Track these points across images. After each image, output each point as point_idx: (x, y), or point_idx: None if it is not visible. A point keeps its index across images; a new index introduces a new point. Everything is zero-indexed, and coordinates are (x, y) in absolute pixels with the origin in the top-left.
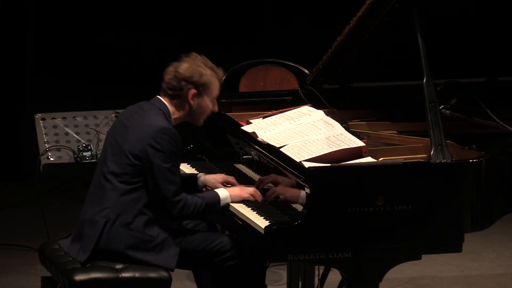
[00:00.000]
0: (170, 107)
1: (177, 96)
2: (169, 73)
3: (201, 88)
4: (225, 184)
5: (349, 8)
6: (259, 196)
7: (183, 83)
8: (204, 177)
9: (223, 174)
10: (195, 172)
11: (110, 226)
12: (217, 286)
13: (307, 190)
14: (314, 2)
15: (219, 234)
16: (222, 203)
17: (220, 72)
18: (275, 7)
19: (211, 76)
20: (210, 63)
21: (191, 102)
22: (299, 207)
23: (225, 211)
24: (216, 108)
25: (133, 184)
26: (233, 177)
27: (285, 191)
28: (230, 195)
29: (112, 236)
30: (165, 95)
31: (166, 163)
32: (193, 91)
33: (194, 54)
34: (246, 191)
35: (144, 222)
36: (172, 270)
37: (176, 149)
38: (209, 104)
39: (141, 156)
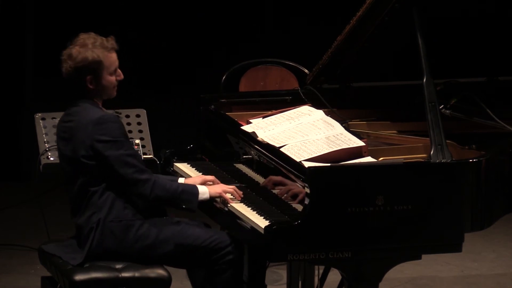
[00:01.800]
0: (89, 96)
1: (78, 85)
2: (63, 65)
3: (95, 70)
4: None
5: (349, 8)
6: (239, 194)
7: (76, 73)
8: (184, 181)
9: (201, 176)
10: (191, 172)
11: (102, 225)
12: (214, 284)
13: (307, 190)
14: (314, 2)
15: (216, 231)
16: (200, 196)
17: (111, 41)
18: (275, 7)
19: (101, 53)
20: (99, 39)
21: (91, 86)
22: (299, 207)
23: (224, 210)
24: (120, 77)
25: (103, 182)
26: (212, 176)
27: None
28: (209, 191)
29: (106, 235)
30: (73, 88)
31: (119, 150)
32: (88, 77)
33: (81, 36)
34: (226, 188)
35: (131, 209)
36: (171, 264)
37: (121, 130)
38: (110, 78)
39: (93, 154)
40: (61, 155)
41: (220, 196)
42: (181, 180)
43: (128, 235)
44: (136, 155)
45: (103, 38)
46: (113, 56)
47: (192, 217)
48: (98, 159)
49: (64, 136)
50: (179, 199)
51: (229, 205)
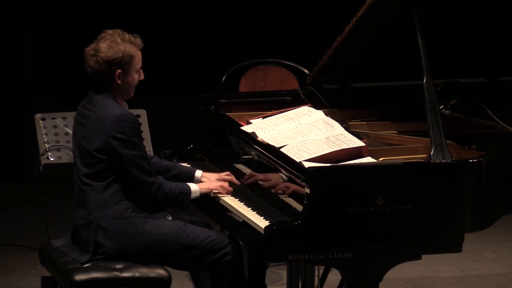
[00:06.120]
0: (113, 91)
1: (105, 79)
2: (90, 59)
3: (126, 66)
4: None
5: (349, 9)
6: (228, 189)
7: (106, 66)
8: (202, 174)
9: (218, 173)
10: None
11: (105, 223)
12: (216, 285)
13: (307, 190)
14: (314, 3)
15: (215, 231)
16: (192, 196)
17: (138, 40)
18: (275, 7)
19: (132, 49)
20: (127, 36)
21: (118, 81)
22: (299, 207)
23: (224, 210)
24: (142, 77)
25: (109, 178)
26: (227, 172)
27: (266, 177)
28: (200, 188)
29: (111, 232)
30: (97, 81)
31: (132, 150)
32: (118, 71)
33: (109, 31)
34: (215, 184)
35: (134, 207)
36: (171, 265)
37: (137, 131)
38: (135, 76)
39: (107, 149)
40: (74, 137)
41: (211, 191)
42: (198, 173)
43: (131, 232)
44: (146, 157)
45: (130, 35)
46: (140, 54)
47: (193, 214)
48: (110, 154)
49: (81, 121)
50: (175, 200)
51: (222, 200)
